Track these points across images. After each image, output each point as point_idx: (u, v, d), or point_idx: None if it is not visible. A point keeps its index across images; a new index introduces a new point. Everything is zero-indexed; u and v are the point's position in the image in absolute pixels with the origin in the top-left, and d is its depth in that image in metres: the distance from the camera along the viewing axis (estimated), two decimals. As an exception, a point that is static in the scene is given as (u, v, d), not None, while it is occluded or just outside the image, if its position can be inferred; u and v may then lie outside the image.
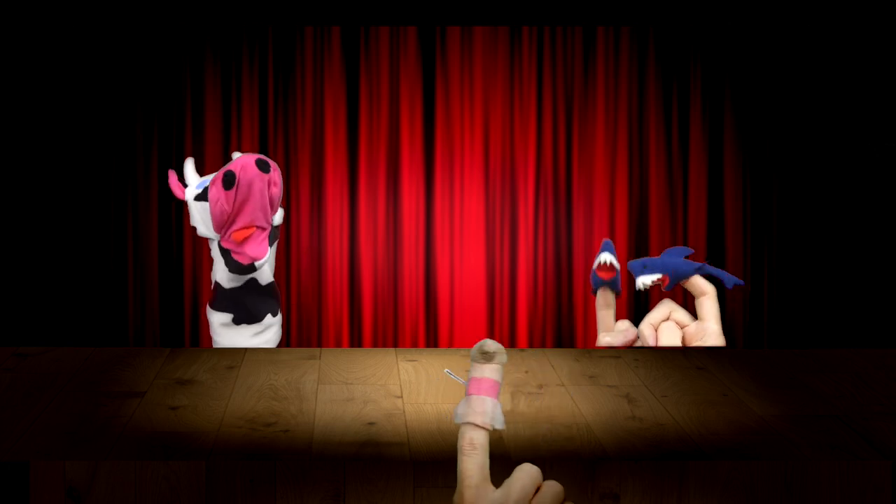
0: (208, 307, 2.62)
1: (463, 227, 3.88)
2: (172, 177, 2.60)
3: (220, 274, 2.55)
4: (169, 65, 3.83)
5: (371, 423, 1.77)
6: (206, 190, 2.52)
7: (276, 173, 2.48)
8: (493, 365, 1.25)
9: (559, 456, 1.63)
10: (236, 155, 2.67)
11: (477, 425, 1.24)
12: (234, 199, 2.42)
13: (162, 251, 3.83)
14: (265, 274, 2.55)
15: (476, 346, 1.26)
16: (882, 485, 1.62)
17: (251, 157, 2.48)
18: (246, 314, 2.57)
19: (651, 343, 2.29)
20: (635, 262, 2.39)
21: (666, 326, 2.26)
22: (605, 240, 2.49)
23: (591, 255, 3.87)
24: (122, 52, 3.79)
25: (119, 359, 2.08)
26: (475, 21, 3.86)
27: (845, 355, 2.17)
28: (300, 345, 3.87)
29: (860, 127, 3.81)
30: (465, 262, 3.88)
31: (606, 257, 2.45)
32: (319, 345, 3.87)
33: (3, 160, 3.74)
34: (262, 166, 2.45)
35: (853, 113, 3.81)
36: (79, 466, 1.58)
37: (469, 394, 1.25)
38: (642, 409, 1.85)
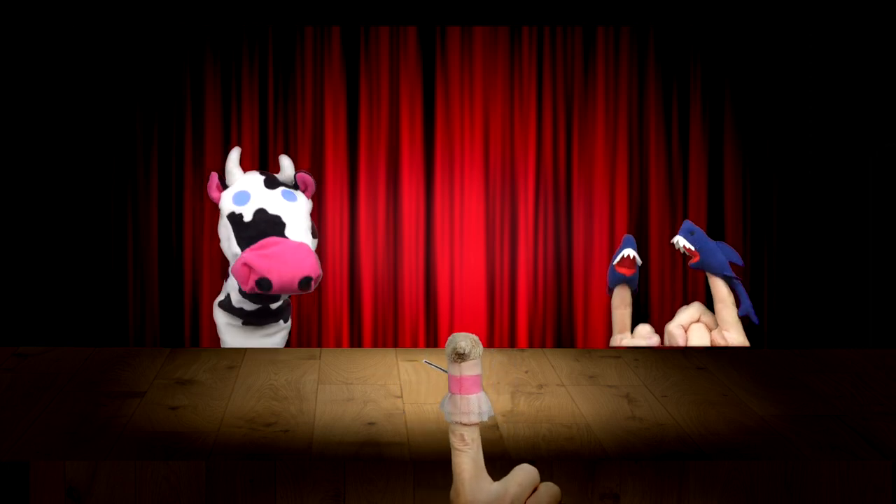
0: (216, 305, 2.60)
1: (463, 227, 3.88)
2: (213, 179, 2.57)
3: (234, 294, 2.54)
4: (169, 65, 3.83)
5: (371, 423, 1.77)
6: (236, 218, 2.49)
7: (316, 280, 2.45)
8: (471, 361, 1.25)
9: (559, 456, 1.63)
10: (284, 160, 2.63)
11: (466, 424, 1.25)
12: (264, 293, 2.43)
13: (162, 251, 3.83)
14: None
15: (449, 347, 1.25)
16: (882, 485, 1.62)
17: (296, 275, 2.41)
18: (255, 321, 2.56)
19: (681, 343, 2.29)
20: (689, 224, 2.40)
21: (696, 328, 2.27)
22: (627, 235, 2.47)
23: (592, 256, 3.87)
24: (122, 52, 3.79)
25: (119, 359, 2.09)
26: (475, 21, 3.85)
27: (845, 355, 2.18)
28: (300, 345, 3.87)
29: (860, 127, 3.81)
30: (465, 262, 3.88)
31: (629, 252, 2.43)
32: (319, 345, 3.87)
33: (3, 160, 3.74)
34: (304, 285, 2.43)
35: (853, 113, 3.81)
36: (79, 466, 1.58)
37: (452, 393, 1.25)
38: (642, 409, 1.85)
